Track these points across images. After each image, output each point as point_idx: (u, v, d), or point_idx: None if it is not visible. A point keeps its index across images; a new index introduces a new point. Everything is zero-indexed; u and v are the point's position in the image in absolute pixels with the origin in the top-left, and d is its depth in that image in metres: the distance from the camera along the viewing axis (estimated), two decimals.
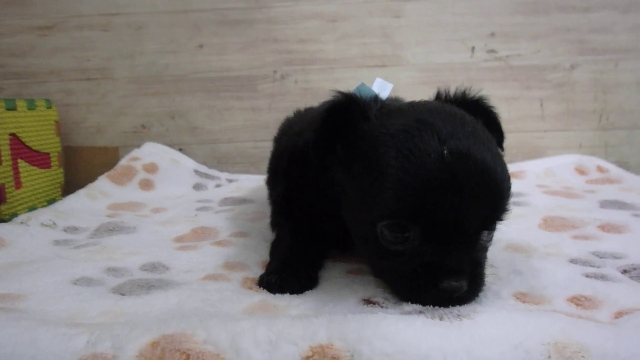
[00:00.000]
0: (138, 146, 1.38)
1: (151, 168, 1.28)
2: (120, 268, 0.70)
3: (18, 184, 1.11)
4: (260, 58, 1.42)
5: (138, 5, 1.40)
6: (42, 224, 0.91)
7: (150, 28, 1.41)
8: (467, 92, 0.63)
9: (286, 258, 0.67)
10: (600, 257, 0.71)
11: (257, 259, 0.74)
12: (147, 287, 0.62)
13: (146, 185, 1.24)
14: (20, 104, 1.15)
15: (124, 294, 0.60)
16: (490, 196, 0.51)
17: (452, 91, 0.63)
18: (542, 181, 1.29)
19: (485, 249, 0.57)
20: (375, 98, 0.61)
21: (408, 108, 0.58)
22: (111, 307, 0.56)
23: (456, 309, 0.50)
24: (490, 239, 0.56)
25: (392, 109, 0.59)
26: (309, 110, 0.97)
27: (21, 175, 1.13)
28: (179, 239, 0.85)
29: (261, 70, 1.42)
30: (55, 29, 1.40)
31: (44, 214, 0.95)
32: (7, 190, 1.06)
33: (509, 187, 0.53)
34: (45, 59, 1.41)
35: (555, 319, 0.48)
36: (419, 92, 1.39)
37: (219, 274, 0.68)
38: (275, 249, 0.73)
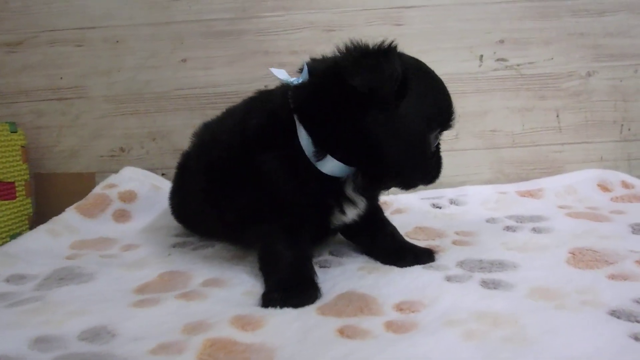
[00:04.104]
0: (116, 171, 1.25)
1: (128, 197, 1.15)
2: (53, 337, 0.56)
3: None
4: (250, 72, 1.30)
5: (115, 18, 1.28)
6: None
7: (128, 42, 1.29)
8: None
9: (288, 269, 0.70)
10: None
11: (228, 314, 0.61)
12: None
13: (121, 216, 1.11)
14: None
15: None
16: None
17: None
18: (564, 201, 1.18)
19: None
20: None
21: (417, 62, 0.76)
22: None
23: None
24: None
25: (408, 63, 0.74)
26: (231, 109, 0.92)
27: None
28: (141, 290, 0.72)
29: (251, 85, 1.29)
30: (25, 44, 1.28)
31: None
32: None
33: None
34: (13, 77, 1.29)
35: None
36: None
37: (173, 342, 0.54)
38: (269, 260, 0.73)
